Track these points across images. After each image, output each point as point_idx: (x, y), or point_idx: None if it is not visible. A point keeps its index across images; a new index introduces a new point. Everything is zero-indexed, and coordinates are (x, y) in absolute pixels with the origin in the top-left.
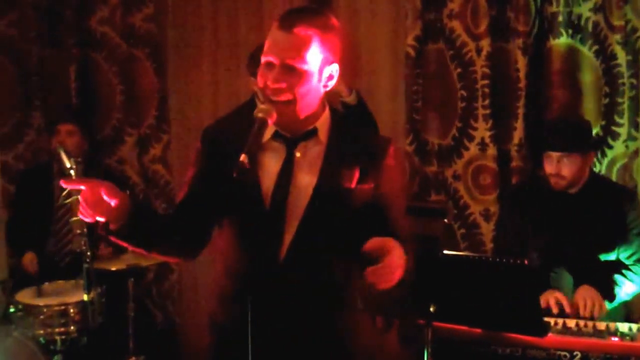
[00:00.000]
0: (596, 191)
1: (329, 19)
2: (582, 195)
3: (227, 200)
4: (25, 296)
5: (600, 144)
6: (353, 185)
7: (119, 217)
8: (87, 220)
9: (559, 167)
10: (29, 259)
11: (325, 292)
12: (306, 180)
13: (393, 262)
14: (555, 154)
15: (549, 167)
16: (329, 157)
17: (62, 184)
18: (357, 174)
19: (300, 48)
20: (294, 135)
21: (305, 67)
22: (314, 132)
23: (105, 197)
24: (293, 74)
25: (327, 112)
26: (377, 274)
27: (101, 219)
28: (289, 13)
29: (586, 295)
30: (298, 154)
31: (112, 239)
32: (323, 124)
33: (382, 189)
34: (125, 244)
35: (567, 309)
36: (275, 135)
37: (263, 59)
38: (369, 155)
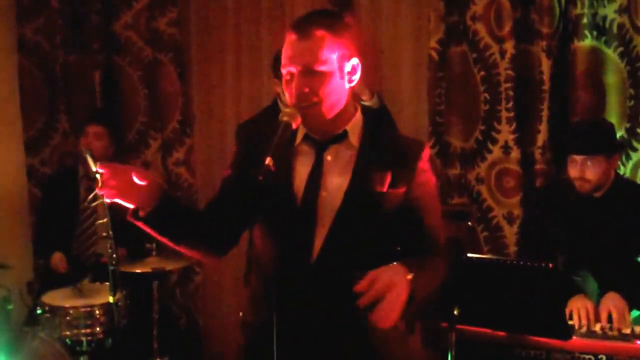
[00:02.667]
0: (621, 194)
1: (339, 17)
2: (608, 199)
3: (258, 202)
4: (52, 298)
5: (624, 147)
6: (385, 189)
7: (148, 203)
8: (108, 201)
9: (583, 170)
10: (58, 259)
11: (353, 295)
12: (337, 183)
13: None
14: (579, 157)
15: (573, 171)
16: (361, 161)
17: (99, 168)
18: (389, 178)
19: (315, 50)
20: (323, 138)
21: (324, 67)
22: (344, 136)
23: (135, 180)
24: (314, 76)
25: (358, 116)
26: (380, 315)
27: (130, 206)
28: (299, 20)
29: (610, 305)
30: (329, 157)
31: (140, 225)
32: (354, 127)
33: (415, 193)
34: (152, 233)
35: (591, 317)
36: (306, 139)
37: (284, 71)
38: (402, 159)
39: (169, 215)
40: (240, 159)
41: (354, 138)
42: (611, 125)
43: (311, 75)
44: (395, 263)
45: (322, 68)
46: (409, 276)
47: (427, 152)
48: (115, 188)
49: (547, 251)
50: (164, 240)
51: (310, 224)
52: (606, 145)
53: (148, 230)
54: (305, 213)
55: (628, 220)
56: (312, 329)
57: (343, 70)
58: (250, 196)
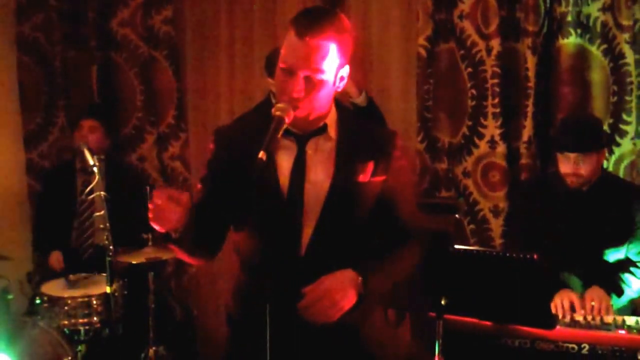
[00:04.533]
0: (607, 188)
1: (343, 21)
2: (594, 193)
3: (245, 197)
4: (51, 288)
5: (611, 140)
6: (368, 178)
7: (180, 225)
8: (157, 228)
9: (577, 167)
10: (55, 258)
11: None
12: (321, 176)
13: (321, 297)
14: (572, 155)
15: (566, 167)
16: (341, 152)
17: (154, 194)
18: (371, 167)
19: (319, 59)
20: (304, 132)
21: (323, 76)
22: (323, 129)
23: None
24: (311, 83)
25: (334, 109)
26: (311, 311)
27: (161, 230)
28: (305, 17)
29: (594, 296)
30: (310, 151)
31: (172, 247)
32: (332, 120)
33: (391, 181)
34: (179, 252)
35: (578, 310)
36: (286, 133)
37: (281, 64)
38: (378, 148)
39: (192, 231)
40: (218, 158)
41: (332, 130)
42: (599, 121)
43: (308, 82)
44: (346, 269)
45: (320, 77)
46: (359, 280)
47: (399, 140)
48: (163, 217)
49: (533, 243)
50: (182, 254)
51: (298, 216)
52: (598, 142)
53: (178, 251)
54: (292, 206)
55: (612, 214)
56: (301, 321)
57: (336, 77)
58: (232, 194)
